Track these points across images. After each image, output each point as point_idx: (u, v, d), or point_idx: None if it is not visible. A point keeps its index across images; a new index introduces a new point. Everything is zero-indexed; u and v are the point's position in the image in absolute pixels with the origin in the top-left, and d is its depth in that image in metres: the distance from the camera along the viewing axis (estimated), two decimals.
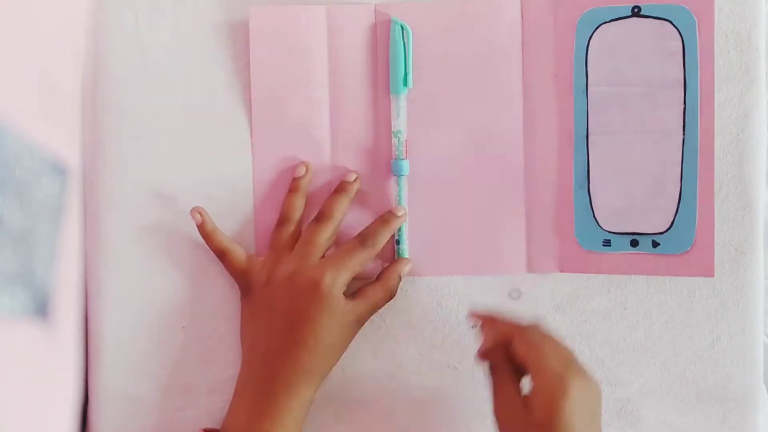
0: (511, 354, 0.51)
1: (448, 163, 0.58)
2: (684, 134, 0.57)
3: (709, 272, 0.57)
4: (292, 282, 0.54)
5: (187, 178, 0.58)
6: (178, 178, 0.58)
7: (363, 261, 0.55)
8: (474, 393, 0.59)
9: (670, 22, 0.56)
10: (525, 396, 0.50)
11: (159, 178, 0.58)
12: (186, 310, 0.58)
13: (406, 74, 0.57)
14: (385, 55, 0.58)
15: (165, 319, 0.59)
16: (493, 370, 0.52)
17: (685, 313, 0.59)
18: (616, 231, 0.58)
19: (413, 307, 0.59)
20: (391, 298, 0.57)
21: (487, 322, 0.54)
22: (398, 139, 0.57)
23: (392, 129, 0.57)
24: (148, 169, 0.58)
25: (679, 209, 0.57)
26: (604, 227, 0.58)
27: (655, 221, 0.57)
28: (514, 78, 0.58)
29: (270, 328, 0.54)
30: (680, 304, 0.58)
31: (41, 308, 0.24)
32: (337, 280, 0.54)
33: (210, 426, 0.58)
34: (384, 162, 0.58)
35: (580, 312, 0.59)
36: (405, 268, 0.58)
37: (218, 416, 0.59)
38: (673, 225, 0.57)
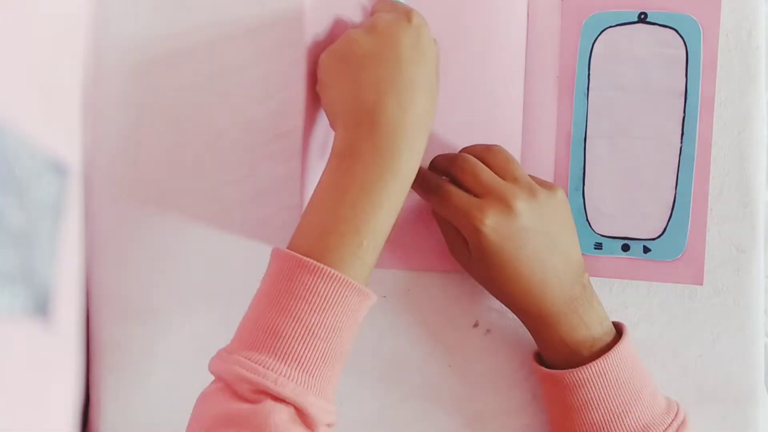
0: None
1: None
2: (681, 142, 0.57)
3: (698, 281, 0.57)
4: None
5: (188, 178, 0.58)
6: (179, 179, 0.58)
7: None
8: (474, 393, 0.59)
9: (676, 31, 0.56)
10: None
11: (159, 177, 0.58)
12: (186, 309, 0.58)
13: None
14: None
15: (165, 318, 0.59)
16: (439, 223, 0.55)
17: (685, 312, 0.59)
18: (608, 235, 0.58)
19: (413, 307, 0.59)
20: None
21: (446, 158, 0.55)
22: None
23: None
24: (149, 169, 0.58)
25: (672, 216, 0.57)
26: (596, 230, 0.58)
27: (647, 227, 0.57)
28: (516, 78, 0.58)
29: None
30: (681, 304, 0.58)
31: (41, 307, 0.24)
32: None
33: None
34: None
35: None
36: None
37: None
38: (666, 232, 0.57)
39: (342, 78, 0.49)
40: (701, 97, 0.56)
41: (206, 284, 0.59)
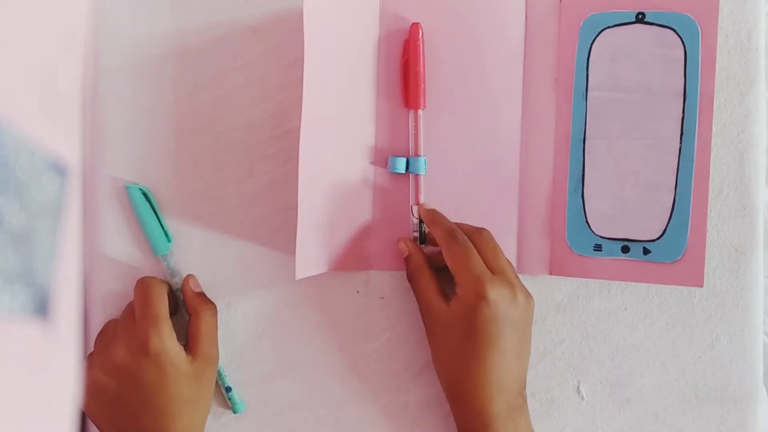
0: (437, 258, 0.56)
1: (443, 162, 0.58)
2: (681, 143, 0.57)
3: (698, 283, 0.57)
4: None
5: (187, 179, 0.58)
6: (178, 179, 0.58)
7: None
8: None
9: (674, 31, 0.56)
10: (450, 298, 0.53)
11: (159, 178, 0.58)
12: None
13: (165, 232, 0.57)
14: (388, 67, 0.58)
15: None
16: (414, 274, 0.56)
17: (684, 313, 0.59)
18: (607, 236, 0.58)
19: (412, 307, 0.59)
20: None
21: (431, 217, 0.57)
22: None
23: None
24: (149, 169, 0.58)
25: (672, 218, 0.57)
26: (595, 232, 0.58)
27: (647, 228, 0.57)
28: (514, 79, 0.58)
29: None
30: (680, 305, 0.59)
31: (41, 307, 0.24)
32: None
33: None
34: (381, 158, 0.58)
35: (580, 312, 0.59)
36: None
37: (217, 416, 0.59)
38: (665, 233, 0.57)
39: None
40: (700, 97, 0.56)
41: (205, 284, 0.59)
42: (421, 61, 0.57)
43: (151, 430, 0.52)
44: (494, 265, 0.53)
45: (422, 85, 0.57)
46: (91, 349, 0.58)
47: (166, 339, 0.52)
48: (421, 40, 0.57)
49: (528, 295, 0.54)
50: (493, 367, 0.52)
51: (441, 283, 0.55)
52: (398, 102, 0.58)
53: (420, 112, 0.58)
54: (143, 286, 0.54)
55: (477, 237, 0.55)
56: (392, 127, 0.58)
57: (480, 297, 0.51)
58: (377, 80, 0.58)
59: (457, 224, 0.56)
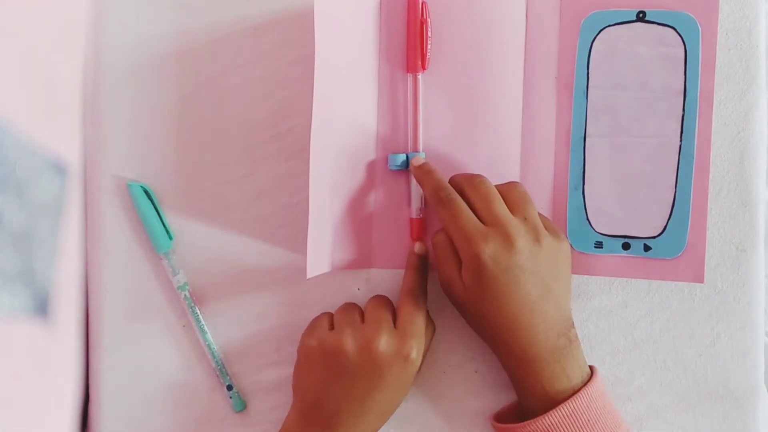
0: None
1: (445, 158, 0.58)
2: (681, 141, 0.57)
3: (699, 278, 0.57)
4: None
5: (188, 177, 0.58)
6: (179, 178, 0.58)
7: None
8: (474, 392, 0.59)
9: (674, 29, 0.56)
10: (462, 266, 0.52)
11: (159, 177, 0.58)
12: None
13: (166, 230, 0.58)
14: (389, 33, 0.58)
15: (165, 317, 0.59)
16: (434, 245, 0.54)
17: (685, 311, 0.59)
18: (608, 233, 0.58)
19: None
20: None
21: (421, 174, 0.55)
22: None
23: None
24: (150, 167, 0.58)
25: (673, 214, 0.57)
26: (596, 229, 0.58)
27: (647, 225, 0.57)
28: (515, 77, 0.58)
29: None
30: (681, 303, 0.59)
31: (42, 307, 0.24)
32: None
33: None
34: (382, 157, 0.58)
35: (581, 310, 0.59)
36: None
37: (218, 415, 0.59)
38: (666, 230, 0.57)
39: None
40: (700, 95, 0.56)
41: (206, 282, 0.59)
42: (418, 23, 0.57)
43: (343, 412, 0.52)
44: (486, 216, 0.52)
45: (422, 47, 0.57)
46: (91, 349, 0.58)
47: (420, 355, 0.53)
48: (422, 4, 0.57)
49: (537, 236, 0.52)
50: (517, 318, 0.51)
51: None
52: (399, 102, 0.58)
53: (419, 76, 0.58)
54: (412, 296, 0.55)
55: (469, 188, 0.53)
56: (393, 124, 0.58)
57: (475, 258, 0.50)
58: (378, 78, 0.58)
59: (454, 177, 0.55)
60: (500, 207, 0.52)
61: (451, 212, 0.52)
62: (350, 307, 0.56)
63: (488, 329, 0.54)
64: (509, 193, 0.53)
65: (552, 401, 0.52)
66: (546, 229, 0.53)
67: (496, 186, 0.54)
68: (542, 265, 0.52)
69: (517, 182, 0.55)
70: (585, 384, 0.53)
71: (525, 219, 0.52)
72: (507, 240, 0.51)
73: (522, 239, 0.51)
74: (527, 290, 0.51)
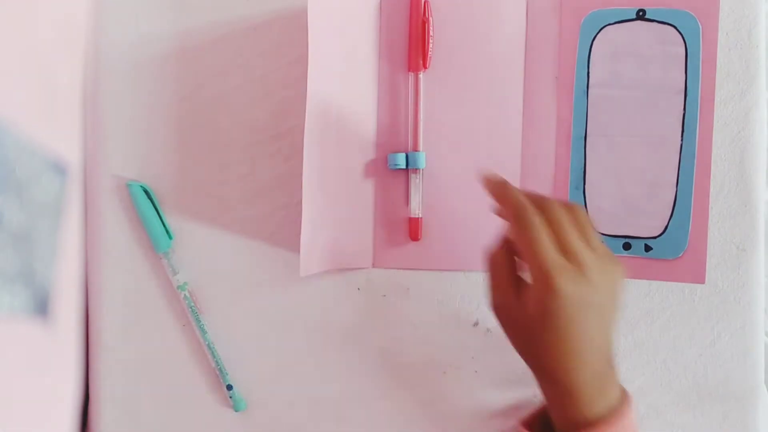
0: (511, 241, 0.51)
1: (446, 158, 0.58)
2: (682, 140, 0.57)
3: (700, 279, 0.57)
4: None
5: (188, 177, 0.58)
6: (179, 178, 0.58)
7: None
8: (474, 393, 0.59)
9: (675, 28, 0.56)
10: (522, 288, 0.50)
11: (159, 177, 0.58)
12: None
13: (166, 230, 0.58)
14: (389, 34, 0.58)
15: (165, 317, 0.59)
16: (491, 262, 0.51)
17: (685, 311, 0.59)
18: (609, 233, 0.58)
19: (412, 306, 0.59)
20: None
21: (499, 191, 0.52)
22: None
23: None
24: (150, 167, 0.58)
25: (674, 215, 0.57)
26: (597, 229, 0.58)
27: (648, 225, 0.57)
28: (515, 76, 0.58)
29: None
30: (681, 302, 0.59)
31: (42, 307, 0.24)
32: None
33: None
34: (382, 156, 0.58)
35: None
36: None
37: (218, 415, 0.59)
38: (667, 230, 0.57)
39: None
40: (701, 94, 0.56)
41: (206, 282, 0.59)
42: (420, 22, 0.57)
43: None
44: (561, 246, 0.49)
45: (423, 46, 0.57)
46: (91, 349, 0.58)
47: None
48: (424, 3, 0.57)
49: (605, 268, 0.50)
50: (575, 350, 0.49)
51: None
52: (399, 101, 0.58)
53: (420, 75, 0.58)
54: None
55: (545, 212, 0.50)
56: (392, 124, 0.58)
57: (551, 292, 0.47)
58: (378, 76, 0.58)
59: (525, 194, 0.51)
60: (575, 239, 0.50)
61: (532, 237, 0.49)
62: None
63: (538, 355, 0.52)
64: (577, 218, 0.51)
65: (588, 423, 0.51)
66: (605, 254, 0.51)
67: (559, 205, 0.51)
68: (607, 298, 0.50)
69: (580, 206, 0.52)
70: (621, 405, 0.52)
71: (594, 249, 0.50)
72: (583, 277, 0.48)
73: (596, 276, 0.49)
74: (590, 324, 0.49)
